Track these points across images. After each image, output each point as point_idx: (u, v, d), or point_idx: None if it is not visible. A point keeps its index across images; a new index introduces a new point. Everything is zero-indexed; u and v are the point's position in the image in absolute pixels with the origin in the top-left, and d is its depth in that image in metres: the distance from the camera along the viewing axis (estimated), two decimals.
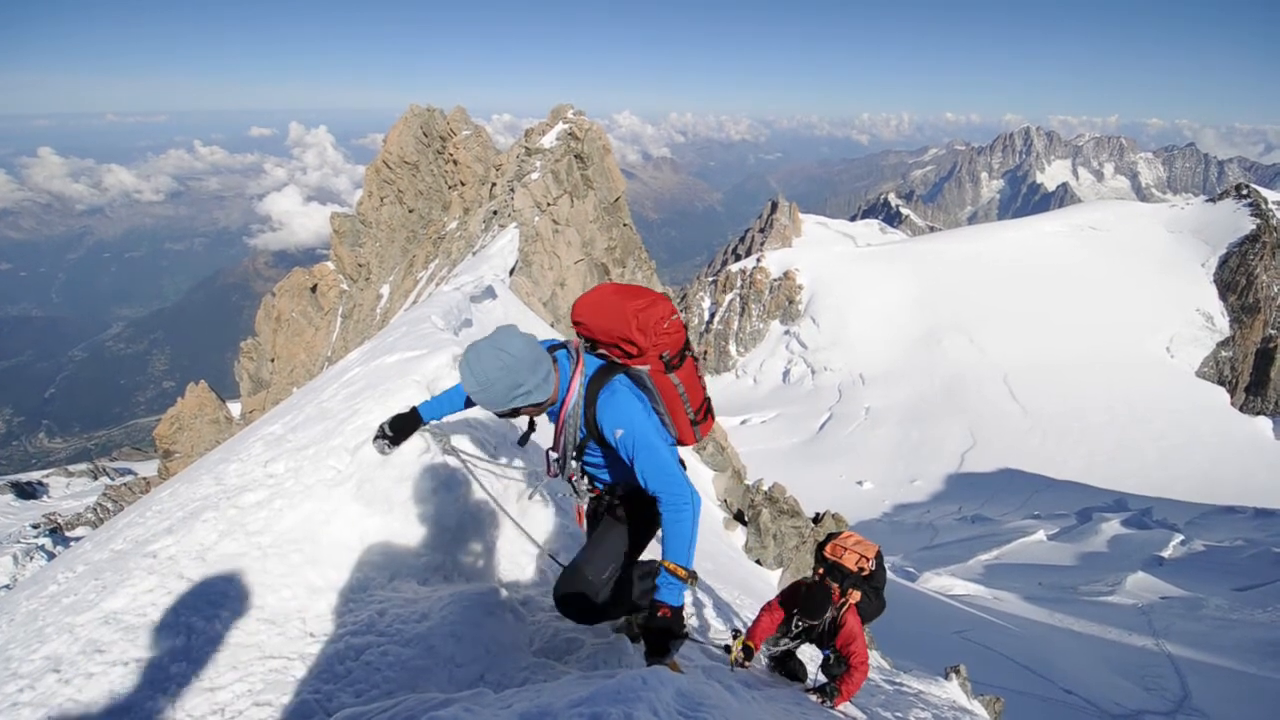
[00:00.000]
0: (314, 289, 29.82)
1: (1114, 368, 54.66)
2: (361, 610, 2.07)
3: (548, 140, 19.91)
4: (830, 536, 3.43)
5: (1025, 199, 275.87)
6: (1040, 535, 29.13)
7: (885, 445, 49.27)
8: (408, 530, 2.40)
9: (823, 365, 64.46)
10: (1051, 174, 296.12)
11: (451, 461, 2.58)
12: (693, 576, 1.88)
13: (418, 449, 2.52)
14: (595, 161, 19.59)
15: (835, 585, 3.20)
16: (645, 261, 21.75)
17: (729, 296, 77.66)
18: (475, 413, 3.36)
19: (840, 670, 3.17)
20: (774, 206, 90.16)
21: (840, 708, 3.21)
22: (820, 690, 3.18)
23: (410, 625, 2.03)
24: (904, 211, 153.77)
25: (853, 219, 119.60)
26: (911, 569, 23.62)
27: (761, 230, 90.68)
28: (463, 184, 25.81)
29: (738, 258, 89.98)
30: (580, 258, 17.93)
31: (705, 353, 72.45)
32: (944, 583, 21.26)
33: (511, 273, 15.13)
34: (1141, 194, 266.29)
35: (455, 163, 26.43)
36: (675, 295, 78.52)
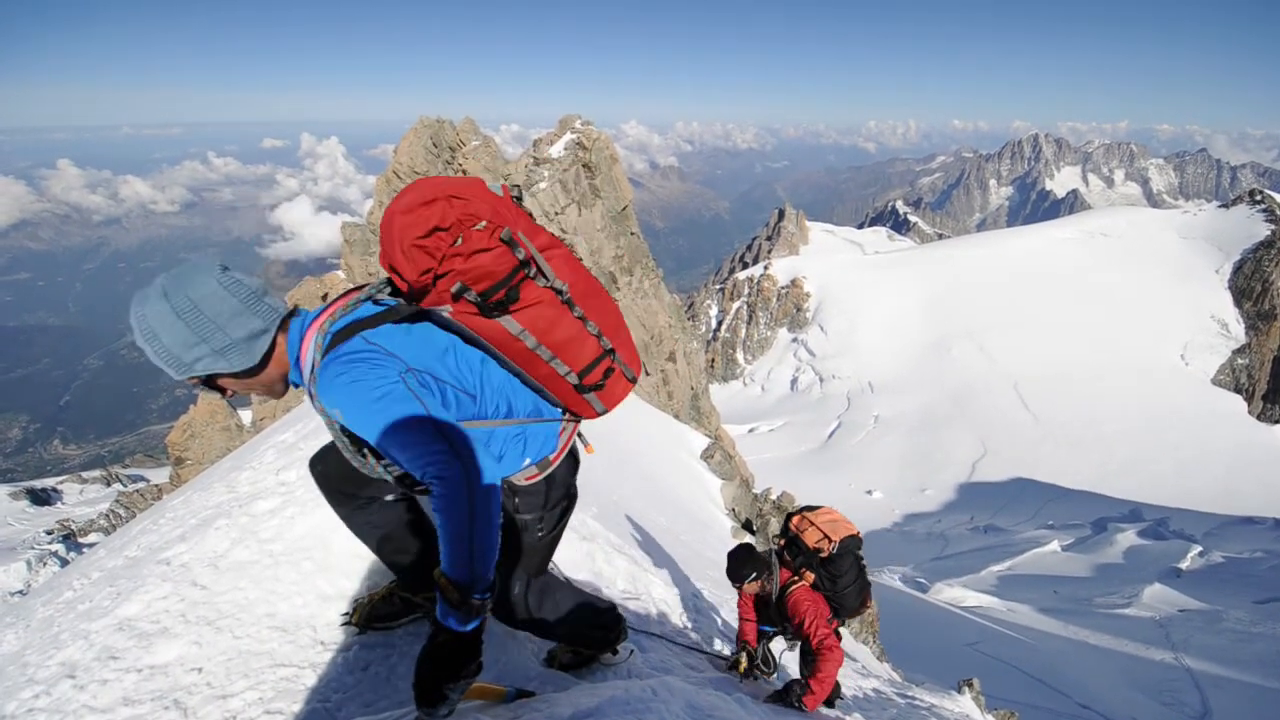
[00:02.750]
0: (324, 297, 30.12)
1: (1127, 376, 54.00)
2: None
3: (556, 150, 20.10)
4: (805, 508, 3.00)
5: (1035, 206, 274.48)
6: (1054, 546, 28.70)
7: (895, 454, 48.84)
8: None
9: (831, 373, 64.15)
10: (1061, 180, 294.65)
11: None
12: (466, 603, 1.24)
13: None
14: (603, 171, 19.73)
15: (789, 560, 2.86)
16: (652, 270, 21.82)
17: (736, 304, 77.63)
18: None
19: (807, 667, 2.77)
20: (781, 214, 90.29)
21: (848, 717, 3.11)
22: (785, 693, 2.72)
23: (420, 636, 2.04)
24: (912, 219, 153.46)
25: (860, 226, 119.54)
26: (923, 580, 23.32)
27: (769, 238, 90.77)
28: None
29: (745, 266, 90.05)
30: (588, 266, 18.03)
31: (712, 361, 72.35)
32: (956, 594, 20.97)
33: None
34: (1153, 200, 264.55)
35: (464, 173, 26.70)
36: (682, 303, 78.47)
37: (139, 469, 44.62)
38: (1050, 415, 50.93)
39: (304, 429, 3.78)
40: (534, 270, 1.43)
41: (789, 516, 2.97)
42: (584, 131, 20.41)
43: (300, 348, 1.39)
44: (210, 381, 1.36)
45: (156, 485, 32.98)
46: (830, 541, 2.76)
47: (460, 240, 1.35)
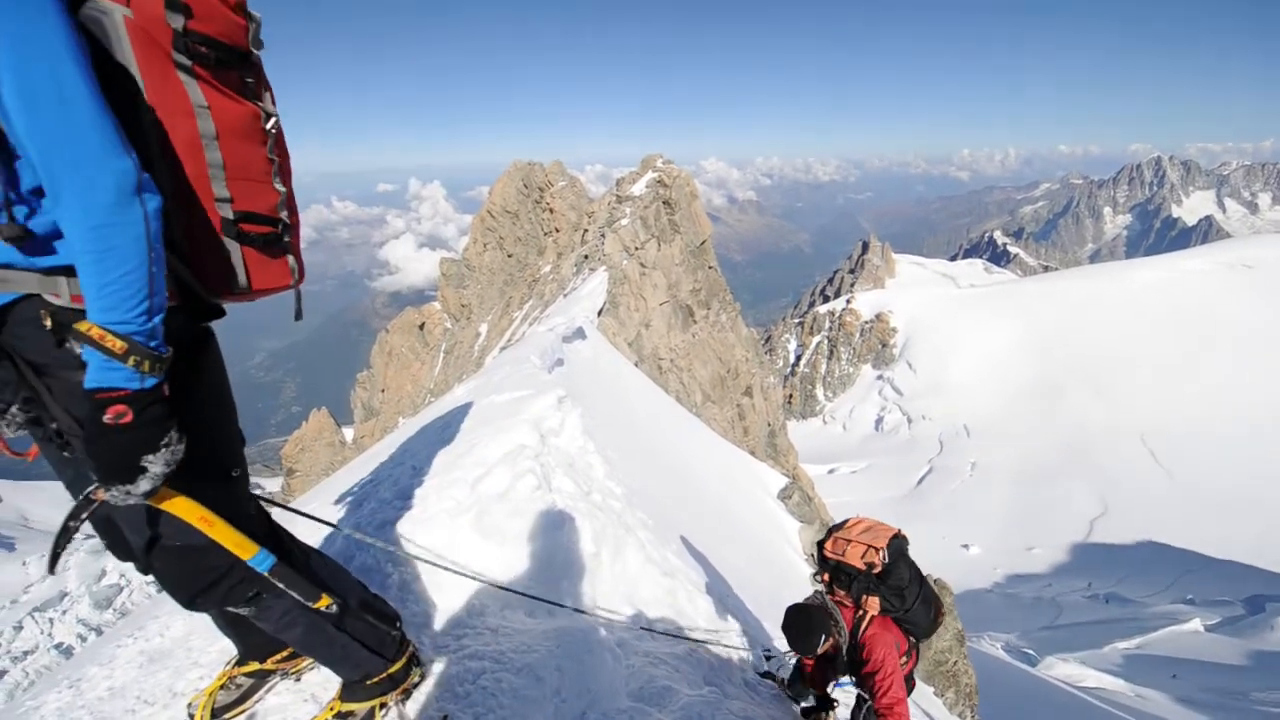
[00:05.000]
0: (422, 326, 32.66)
1: None
2: (477, 636, 2.22)
3: (638, 188, 20.85)
4: (833, 529, 2.58)
5: (1159, 235, 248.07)
6: (1195, 624, 24.79)
7: (995, 506, 44.57)
8: (518, 563, 2.56)
9: (920, 414, 60.20)
10: (1190, 207, 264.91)
11: (558, 501, 2.74)
12: (144, 351, 0.91)
13: (531, 486, 2.70)
14: (682, 207, 20.19)
15: (842, 594, 2.44)
16: (730, 303, 21.81)
17: (816, 339, 75.34)
18: (568, 445, 3.50)
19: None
20: (865, 247, 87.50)
21: None
22: None
23: (520, 655, 2.15)
24: (1012, 250, 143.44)
25: (953, 259, 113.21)
26: (1030, 651, 20.87)
27: (851, 271, 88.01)
28: (557, 230, 27.49)
29: (826, 299, 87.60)
30: (666, 299, 18.32)
31: (790, 397, 70.22)
32: (1072, 671, 18.55)
33: (600, 314, 15.73)
34: None
35: (551, 211, 28.29)
36: (759, 337, 77.38)
37: (256, 478, 49.64)
38: (1188, 472, 44.62)
39: (416, 452, 4.11)
40: (250, 74, 1.11)
41: (820, 546, 2.55)
42: (665, 170, 21.08)
43: None
44: None
45: (270, 494, 36.54)
46: (878, 551, 2.35)
47: None
